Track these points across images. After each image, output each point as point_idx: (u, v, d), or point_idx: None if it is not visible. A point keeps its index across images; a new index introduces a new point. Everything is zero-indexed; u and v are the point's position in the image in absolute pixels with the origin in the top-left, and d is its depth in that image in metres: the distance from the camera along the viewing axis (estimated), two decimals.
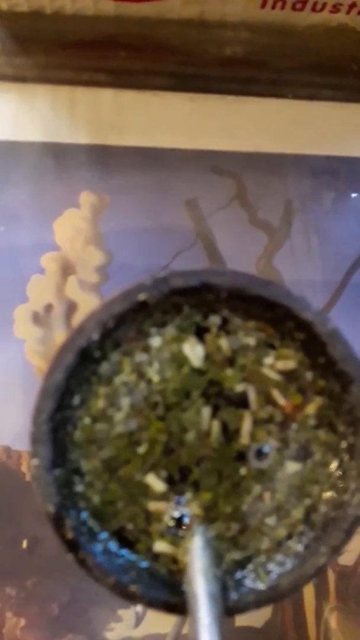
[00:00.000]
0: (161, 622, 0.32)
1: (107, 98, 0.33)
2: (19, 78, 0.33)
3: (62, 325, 0.32)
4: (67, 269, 0.33)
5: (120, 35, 0.32)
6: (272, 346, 0.19)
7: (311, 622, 0.34)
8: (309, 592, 0.34)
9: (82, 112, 0.33)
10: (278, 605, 0.33)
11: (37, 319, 0.32)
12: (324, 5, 0.31)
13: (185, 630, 0.32)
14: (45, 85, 0.33)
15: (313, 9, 0.31)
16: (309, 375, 0.19)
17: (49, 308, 0.32)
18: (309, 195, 0.33)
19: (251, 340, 0.19)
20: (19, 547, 0.32)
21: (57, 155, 0.33)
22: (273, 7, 0.31)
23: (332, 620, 0.34)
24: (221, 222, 0.33)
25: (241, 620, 0.33)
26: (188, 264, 0.33)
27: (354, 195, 0.33)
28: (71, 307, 0.33)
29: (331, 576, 0.34)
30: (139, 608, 0.33)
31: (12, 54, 0.32)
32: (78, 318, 0.33)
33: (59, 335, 0.32)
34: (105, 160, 0.33)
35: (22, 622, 0.32)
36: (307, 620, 0.34)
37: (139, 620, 0.33)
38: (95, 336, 0.18)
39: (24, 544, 0.33)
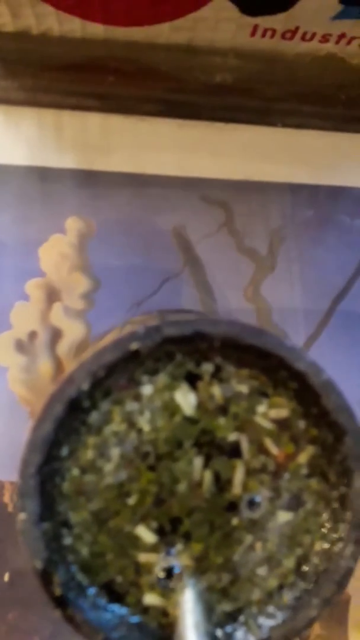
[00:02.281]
0: None
1: (95, 122, 0.33)
2: (4, 100, 0.32)
3: (47, 354, 0.31)
4: (52, 296, 0.32)
5: (108, 59, 0.32)
6: (265, 394, 0.19)
7: None
8: None
9: (69, 136, 0.33)
10: None
11: (20, 346, 0.31)
12: (314, 35, 0.31)
13: None
14: (32, 108, 0.32)
15: (302, 38, 0.31)
16: (301, 424, 0.19)
17: (33, 335, 0.32)
18: (295, 223, 0.33)
19: (244, 388, 0.19)
20: (1, 580, 0.32)
21: (43, 179, 0.33)
22: (263, 35, 0.31)
23: None
24: (209, 250, 0.33)
25: None
26: (176, 291, 0.33)
27: (343, 221, 0.33)
28: (56, 335, 0.32)
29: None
30: None
31: None
32: (63, 345, 0.32)
33: (43, 364, 0.31)
34: (92, 185, 0.33)
35: None
36: None
37: None
38: (85, 386, 0.18)
39: (6, 577, 0.32)
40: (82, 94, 0.32)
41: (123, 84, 0.32)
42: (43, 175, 0.32)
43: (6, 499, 0.32)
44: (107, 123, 0.33)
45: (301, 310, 0.34)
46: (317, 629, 0.34)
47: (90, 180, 0.33)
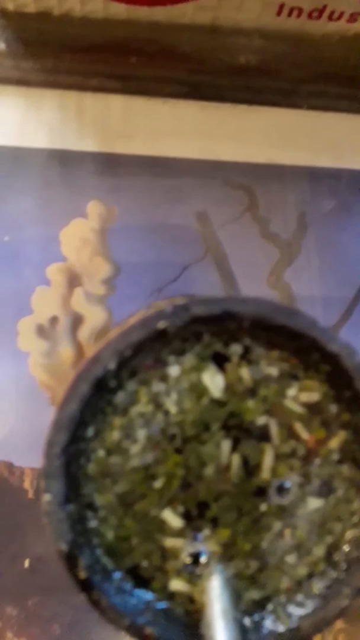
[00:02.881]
0: None
1: (117, 105, 0.32)
2: (25, 82, 0.32)
3: (68, 339, 0.31)
4: (73, 281, 0.32)
5: (130, 40, 0.31)
6: (295, 377, 0.18)
7: None
8: None
9: (91, 119, 0.32)
10: None
11: (41, 331, 0.31)
12: (341, 14, 0.30)
13: None
14: (53, 90, 0.32)
15: (330, 18, 0.30)
16: (333, 408, 0.18)
17: (54, 321, 0.32)
18: (322, 209, 0.33)
19: (274, 371, 0.18)
20: (21, 566, 0.32)
21: (64, 163, 0.32)
22: (289, 15, 0.30)
23: None
24: (232, 235, 0.32)
25: None
26: (198, 277, 0.33)
27: None
28: (77, 320, 0.32)
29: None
30: None
31: (19, 57, 0.31)
32: (84, 331, 0.32)
33: (64, 349, 0.31)
34: (113, 169, 0.33)
35: None
36: None
37: None
38: (112, 365, 0.17)
39: (26, 563, 0.32)
40: (103, 75, 0.32)
41: (145, 65, 0.31)
42: (64, 158, 0.32)
43: (26, 485, 0.32)
44: (129, 105, 0.32)
45: (324, 298, 0.33)
46: (339, 622, 0.34)
47: (111, 164, 0.32)
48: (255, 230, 0.32)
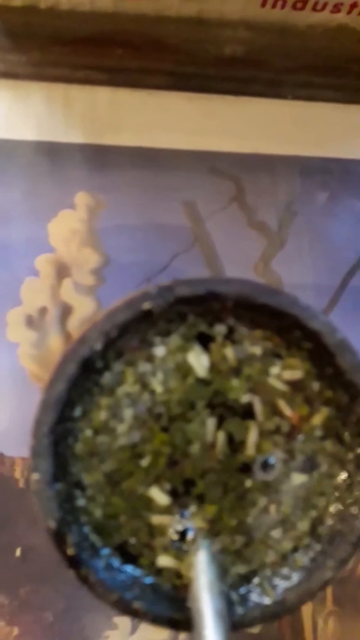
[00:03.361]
0: (157, 629, 0.32)
1: (104, 97, 0.32)
2: (12, 75, 0.32)
3: (57, 329, 0.31)
4: (62, 272, 0.32)
5: (117, 33, 0.32)
6: (278, 356, 0.19)
7: (308, 627, 0.34)
8: None
9: (78, 111, 0.33)
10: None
11: (31, 322, 0.31)
12: (325, 5, 0.31)
13: (181, 637, 0.32)
14: (40, 83, 0.32)
15: (314, 9, 0.31)
16: (315, 386, 0.19)
17: (43, 311, 0.32)
18: (307, 198, 0.33)
19: (257, 350, 0.19)
20: (13, 555, 0.32)
21: (52, 154, 0.33)
22: (273, 6, 0.31)
23: (329, 625, 0.34)
24: (220, 224, 0.33)
25: (239, 631, 0.33)
26: (186, 267, 0.33)
27: (354, 196, 0.33)
28: (66, 311, 0.32)
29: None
30: None
31: (5, 50, 0.32)
32: (73, 321, 0.32)
33: (54, 340, 0.31)
34: (101, 160, 0.33)
35: (16, 630, 0.32)
36: (304, 625, 0.34)
37: (134, 627, 0.32)
38: (98, 346, 0.17)
39: (18, 552, 0.32)
40: (90, 67, 0.32)
41: (132, 57, 0.32)
42: (52, 150, 0.32)
43: (17, 474, 0.32)
44: (116, 97, 0.33)
45: (312, 286, 0.33)
46: (330, 605, 0.34)
47: (99, 155, 0.33)
48: (242, 219, 0.33)
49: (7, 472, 0.32)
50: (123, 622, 0.32)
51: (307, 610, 0.34)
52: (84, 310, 0.32)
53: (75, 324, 0.32)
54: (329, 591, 0.34)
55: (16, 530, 0.32)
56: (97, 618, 0.32)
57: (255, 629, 0.34)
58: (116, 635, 0.32)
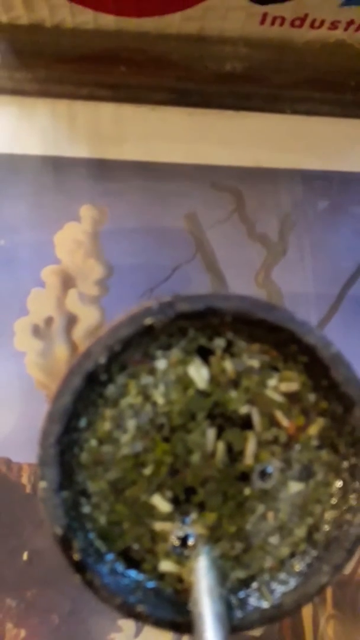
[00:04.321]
0: (161, 632, 0.32)
1: (107, 112, 0.33)
2: (19, 92, 0.33)
3: (63, 339, 0.32)
4: (67, 282, 0.33)
5: (120, 50, 0.33)
6: (275, 368, 0.19)
7: (308, 630, 0.34)
8: None
9: (82, 126, 0.33)
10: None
11: (37, 331, 0.32)
12: (322, 22, 0.31)
13: None
14: (45, 99, 0.33)
15: (311, 26, 0.32)
16: (311, 397, 0.19)
17: (49, 321, 0.33)
18: (307, 209, 0.34)
19: (255, 363, 0.19)
20: (20, 559, 0.33)
21: (57, 168, 0.33)
22: (272, 24, 0.32)
23: (329, 628, 0.34)
24: (220, 236, 0.34)
25: (238, 633, 0.33)
26: (188, 277, 0.34)
27: (354, 208, 0.33)
28: (71, 320, 0.33)
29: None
30: None
31: (12, 68, 0.33)
32: (78, 331, 0.33)
33: (60, 349, 0.32)
34: (105, 173, 0.34)
35: (23, 633, 0.32)
36: (304, 628, 0.34)
37: (138, 630, 0.33)
38: (103, 360, 0.18)
39: (25, 556, 0.33)
40: (94, 84, 0.33)
41: (134, 73, 0.33)
42: (57, 164, 0.33)
43: (24, 480, 0.33)
44: (119, 113, 0.33)
45: (312, 295, 0.34)
46: (329, 609, 0.35)
47: (102, 169, 0.33)
48: (243, 230, 0.34)
49: (15, 478, 0.33)
50: (127, 625, 0.33)
51: (307, 613, 0.34)
52: (89, 319, 0.33)
53: (80, 333, 0.33)
54: (329, 595, 0.35)
55: (23, 534, 0.33)
56: (102, 621, 0.33)
57: (257, 632, 0.34)
58: (121, 637, 0.33)
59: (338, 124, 0.33)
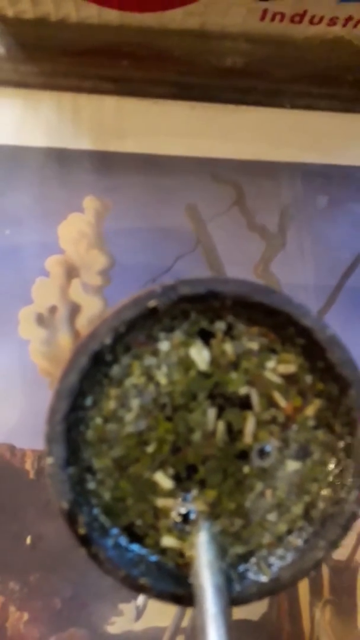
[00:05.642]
0: (161, 615, 0.33)
1: (110, 105, 0.34)
2: (24, 84, 0.34)
3: (66, 327, 0.33)
4: (71, 272, 0.33)
5: (123, 44, 0.33)
6: (274, 351, 0.20)
7: (306, 615, 0.35)
8: (303, 586, 0.35)
9: (86, 119, 0.34)
10: (274, 598, 0.34)
11: (41, 320, 0.33)
12: (321, 18, 0.32)
13: (184, 624, 0.33)
14: (50, 92, 0.34)
15: (311, 22, 0.32)
16: (308, 379, 0.20)
17: (53, 310, 0.33)
18: (306, 202, 0.35)
19: (254, 345, 0.20)
20: (23, 543, 0.33)
21: (61, 160, 0.34)
22: (272, 20, 0.32)
23: (326, 613, 0.35)
24: (221, 227, 0.34)
25: (237, 613, 0.34)
26: (189, 268, 0.34)
27: (354, 201, 0.34)
28: (75, 310, 0.33)
29: (325, 571, 0.35)
30: (139, 602, 0.34)
31: (18, 61, 0.33)
32: (81, 320, 0.34)
33: (63, 337, 0.33)
34: (107, 165, 0.34)
35: (26, 616, 0.33)
36: (301, 613, 0.35)
37: (139, 614, 0.34)
38: (108, 340, 0.19)
39: (28, 540, 0.33)
40: (98, 77, 0.33)
41: (137, 68, 0.33)
42: (61, 156, 0.34)
43: (27, 466, 0.34)
44: (122, 106, 0.34)
45: (311, 287, 0.35)
46: (326, 593, 0.35)
47: (105, 161, 0.34)
48: (243, 222, 0.34)
49: (18, 464, 0.34)
50: (128, 608, 0.34)
51: (304, 599, 0.35)
52: (92, 309, 0.33)
53: (83, 322, 0.33)
54: (325, 580, 0.35)
55: (26, 519, 0.33)
56: (104, 605, 0.33)
57: (255, 617, 0.35)
58: (122, 621, 0.33)
59: (337, 118, 0.34)
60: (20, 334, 0.33)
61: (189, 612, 0.34)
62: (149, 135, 0.34)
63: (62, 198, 0.33)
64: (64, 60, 0.33)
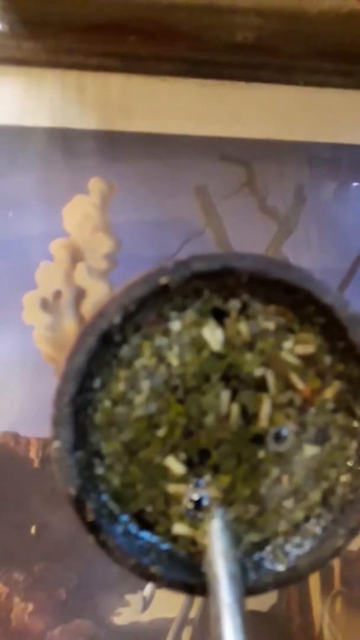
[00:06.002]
0: (168, 606, 0.32)
1: (116, 83, 0.33)
2: (27, 62, 0.33)
3: (71, 312, 0.32)
4: (76, 256, 0.33)
5: (130, 20, 0.32)
6: (291, 330, 0.19)
7: (316, 606, 0.34)
8: (314, 577, 0.34)
9: (91, 98, 0.33)
10: (283, 589, 0.34)
11: (45, 305, 0.32)
12: None
13: (192, 614, 0.33)
14: (54, 70, 0.33)
15: None
16: (327, 360, 0.19)
17: (57, 295, 0.32)
18: (317, 184, 0.34)
19: (270, 325, 0.19)
20: (27, 533, 0.33)
21: (66, 140, 0.33)
22: None
23: (336, 604, 0.34)
24: (231, 209, 0.33)
25: (252, 596, 0.33)
26: (197, 251, 0.33)
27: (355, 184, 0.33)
28: (80, 294, 0.33)
29: (336, 562, 0.34)
30: (146, 592, 0.33)
31: (21, 38, 0.32)
32: (87, 305, 0.33)
33: (68, 322, 0.32)
34: (114, 146, 0.33)
35: (30, 607, 0.32)
36: (312, 604, 0.34)
37: (146, 604, 0.33)
38: (117, 320, 0.18)
39: (32, 530, 0.33)
40: (104, 54, 0.32)
41: (144, 44, 0.32)
42: (66, 136, 0.33)
43: (32, 454, 0.33)
44: (129, 84, 0.33)
45: (322, 270, 0.34)
46: (337, 585, 0.35)
47: (112, 141, 0.33)
48: (253, 204, 0.33)
49: (23, 452, 0.33)
50: (135, 599, 0.33)
51: (314, 590, 0.34)
52: (97, 293, 0.33)
53: (88, 307, 0.33)
54: (336, 572, 0.35)
55: (31, 508, 0.33)
56: (110, 596, 0.33)
57: (264, 608, 0.34)
58: (128, 612, 0.33)
59: (351, 95, 0.33)
60: (24, 319, 0.32)
61: (197, 602, 0.33)
62: (156, 114, 0.33)
63: (66, 180, 0.33)
64: (68, 36, 0.32)
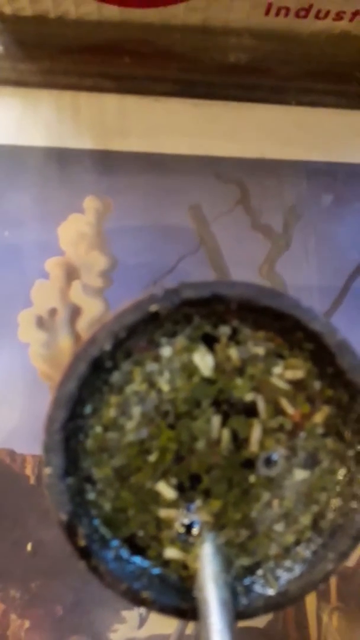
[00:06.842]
0: (164, 623, 0.33)
1: (111, 103, 0.33)
2: (23, 83, 0.33)
3: (66, 330, 0.32)
4: (71, 274, 0.33)
5: (124, 41, 0.33)
6: (281, 356, 0.19)
7: (312, 623, 0.34)
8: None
9: (86, 118, 0.33)
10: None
11: (41, 323, 0.32)
12: (327, 12, 0.31)
13: (188, 631, 0.33)
14: (49, 91, 0.33)
15: (316, 17, 0.32)
16: (317, 385, 0.19)
17: (53, 312, 0.33)
18: (312, 201, 0.34)
19: (260, 350, 0.19)
20: (23, 550, 0.33)
21: (61, 160, 0.33)
22: (277, 14, 0.31)
23: (333, 620, 0.34)
24: (225, 227, 0.34)
25: (243, 620, 0.33)
26: (192, 269, 0.34)
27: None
28: (75, 312, 0.33)
29: (333, 577, 0.34)
30: (142, 609, 0.33)
31: (16, 59, 0.32)
32: (82, 322, 0.33)
33: (63, 340, 0.32)
34: (109, 165, 0.34)
35: (27, 623, 0.33)
36: (308, 620, 0.34)
37: (142, 621, 0.33)
38: (108, 346, 0.18)
39: (29, 547, 0.33)
40: (98, 75, 0.33)
41: (139, 65, 0.33)
42: (61, 156, 0.33)
43: (28, 471, 0.33)
44: (123, 104, 0.33)
45: (316, 287, 0.34)
46: (334, 602, 0.35)
47: (107, 161, 0.33)
48: (247, 222, 0.33)
49: (18, 469, 0.33)
50: (131, 616, 0.33)
51: (311, 606, 0.34)
52: (93, 311, 0.33)
53: (84, 325, 0.33)
54: (333, 587, 0.35)
55: (27, 525, 0.33)
56: (106, 612, 0.33)
57: (260, 624, 0.34)
58: (124, 628, 0.33)
59: (343, 115, 0.33)
60: (19, 337, 0.32)
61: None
62: (151, 134, 0.33)
63: (62, 198, 0.33)
64: (64, 58, 0.33)
